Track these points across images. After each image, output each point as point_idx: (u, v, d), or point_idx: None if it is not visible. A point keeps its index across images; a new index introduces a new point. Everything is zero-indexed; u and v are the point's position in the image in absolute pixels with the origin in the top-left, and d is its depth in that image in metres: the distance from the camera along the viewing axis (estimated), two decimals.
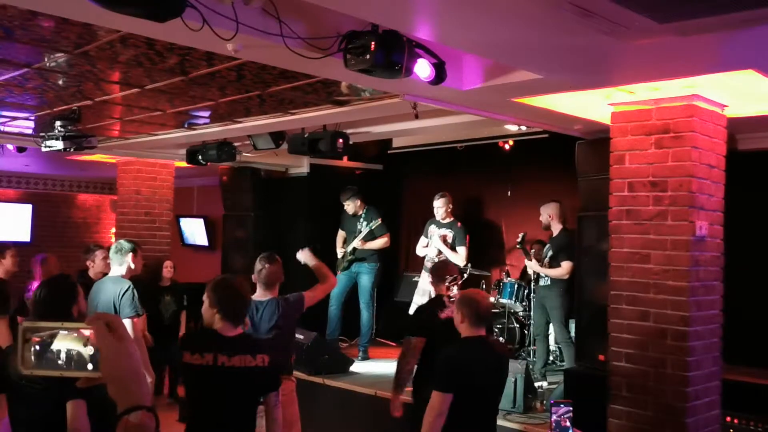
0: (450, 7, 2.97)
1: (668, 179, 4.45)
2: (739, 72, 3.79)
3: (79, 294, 3.38)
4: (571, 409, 2.64)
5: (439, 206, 7.18)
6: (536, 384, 6.03)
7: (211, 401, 3.38)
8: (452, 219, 7.19)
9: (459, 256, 6.95)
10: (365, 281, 7.60)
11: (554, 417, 2.59)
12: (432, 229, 7.24)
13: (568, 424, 2.56)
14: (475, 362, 3.61)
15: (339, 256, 7.76)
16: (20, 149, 7.78)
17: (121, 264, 4.98)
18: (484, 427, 3.71)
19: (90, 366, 1.25)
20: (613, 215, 4.72)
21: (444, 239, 7.06)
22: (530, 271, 6.75)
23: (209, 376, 3.32)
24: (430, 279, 5.02)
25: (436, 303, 4.58)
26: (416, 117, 5.17)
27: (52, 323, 1.26)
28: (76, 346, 1.25)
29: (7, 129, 6.98)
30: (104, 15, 2.73)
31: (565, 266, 6.35)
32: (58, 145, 6.15)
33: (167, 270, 7.74)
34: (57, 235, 12.57)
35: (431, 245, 7.20)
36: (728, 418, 5.05)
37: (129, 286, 4.82)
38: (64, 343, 1.25)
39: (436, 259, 6.81)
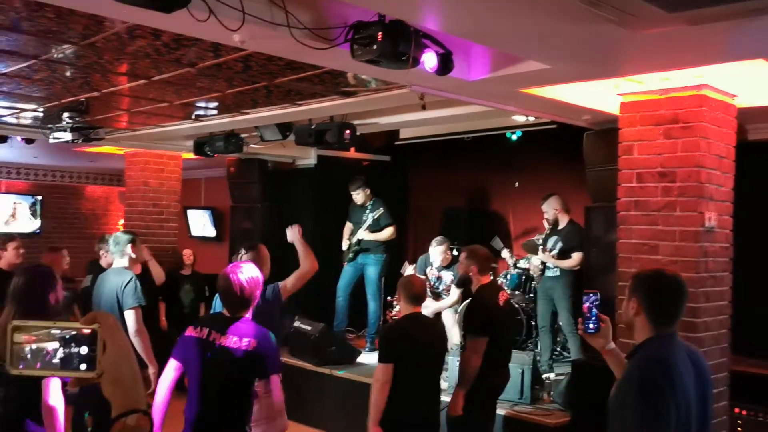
0: None
1: (677, 170, 4.43)
2: (749, 61, 3.76)
3: (57, 282, 3.43)
4: (598, 296, 2.80)
5: (438, 253, 6.90)
6: (543, 375, 6.04)
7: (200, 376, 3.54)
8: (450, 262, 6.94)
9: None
10: (372, 272, 7.59)
11: (586, 305, 2.75)
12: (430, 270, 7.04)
13: (595, 310, 2.74)
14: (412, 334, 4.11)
15: (344, 248, 7.76)
16: (28, 141, 7.80)
17: (122, 256, 4.97)
18: (428, 392, 4.15)
19: (83, 366, 1.23)
20: (622, 206, 4.70)
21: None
22: (537, 263, 6.72)
23: (200, 348, 3.48)
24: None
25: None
26: (423, 108, 5.16)
27: (44, 322, 1.23)
28: (70, 346, 1.22)
29: (15, 120, 7.01)
30: (111, 6, 2.72)
31: (576, 257, 6.32)
32: (66, 136, 6.17)
33: (186, 257, 8.06)
34: (66, 226, 12.65)
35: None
36: (736, 410, 5.04)
37: (131, 277, 4.81)
38: (57, 343, 1.22)
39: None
